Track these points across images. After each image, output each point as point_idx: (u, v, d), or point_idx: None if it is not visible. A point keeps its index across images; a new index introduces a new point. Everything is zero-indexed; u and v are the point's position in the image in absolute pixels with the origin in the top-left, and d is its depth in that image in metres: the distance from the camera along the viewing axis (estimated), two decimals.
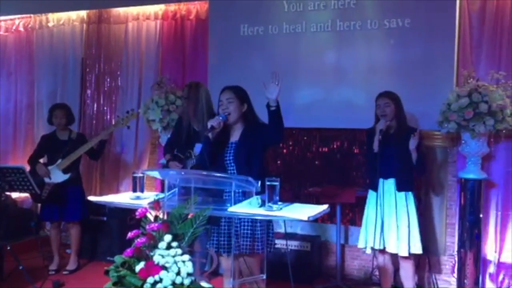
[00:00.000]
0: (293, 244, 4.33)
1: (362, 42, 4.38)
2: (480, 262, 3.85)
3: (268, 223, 3.01)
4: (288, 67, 4.40)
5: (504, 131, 3.76)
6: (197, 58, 5.12)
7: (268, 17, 4.69)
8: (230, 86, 3.12)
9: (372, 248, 3.68)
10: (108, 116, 5.63)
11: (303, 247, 4.33)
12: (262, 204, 2.53)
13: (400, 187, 3.58)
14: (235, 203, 2.59)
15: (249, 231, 2.94)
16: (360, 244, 3.76)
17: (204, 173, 2.71)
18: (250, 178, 2.52)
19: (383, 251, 3.65)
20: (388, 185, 3.61)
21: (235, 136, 3.09)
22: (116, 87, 5.58)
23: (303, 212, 2.46)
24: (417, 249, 3.55)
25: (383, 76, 4.26)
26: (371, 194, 3.72)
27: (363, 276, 4.42)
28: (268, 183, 2.49)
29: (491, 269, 3.99)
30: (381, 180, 3.62)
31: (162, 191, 3.16)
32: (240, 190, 2.81)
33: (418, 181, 4.03)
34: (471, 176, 3.81)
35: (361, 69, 4.39)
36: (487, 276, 3.99)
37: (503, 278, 3.97)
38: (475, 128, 3.65)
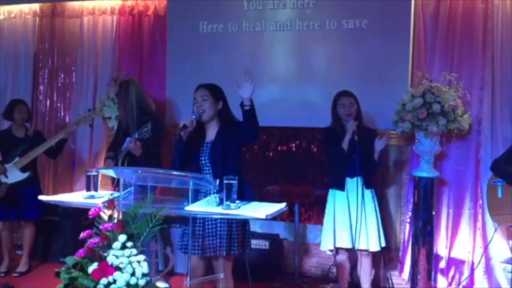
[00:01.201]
0: (251, 243, 4.30)
1: (320, 42, 4.42)
2: (432, 258, 3.95)
3: (244, 223, 2.97)
4: (247, 66, 4.32)
5: (455, 131, 3.86)
6: (155, 54, 5.03)
7: (228, 15, 4.67)
8: (205, 83, 3.05)
9: (335, 248, 3.69)
10: (62, 113, 5.46)
11: (262, 246, 4.33)
12: (220, 203, 2.51)
13: (367, 185, 3.66)
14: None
15: (225, 232, 2.87)
16: (328, 246, 3.69)
17: (161, 171, 2.66)
18: (207, 177, 2.49)
19: (343, 248, 3.66)
20: (353, 183, 3.65)
21: (210, 136, 3.02)
22: (70, 83, 5.41)
23: (261, 210, 2.46)
24: (383, 242, 3.68)
25: (340, 76, 4.32)
26: (337, 194, 3.70)
27: (320, 274, 4.46)
28: (225, 181, 2.47)
29: (442, 264, 4.11)
30: (347, 179, 3.66)
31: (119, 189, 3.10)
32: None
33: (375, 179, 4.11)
34: (424, 174, 3.91)
35: (319, 68, 4.44)
36: (439, 272, 4.11)
37: (454, 273, 4.10)
38: (428, 127, 3.75)
